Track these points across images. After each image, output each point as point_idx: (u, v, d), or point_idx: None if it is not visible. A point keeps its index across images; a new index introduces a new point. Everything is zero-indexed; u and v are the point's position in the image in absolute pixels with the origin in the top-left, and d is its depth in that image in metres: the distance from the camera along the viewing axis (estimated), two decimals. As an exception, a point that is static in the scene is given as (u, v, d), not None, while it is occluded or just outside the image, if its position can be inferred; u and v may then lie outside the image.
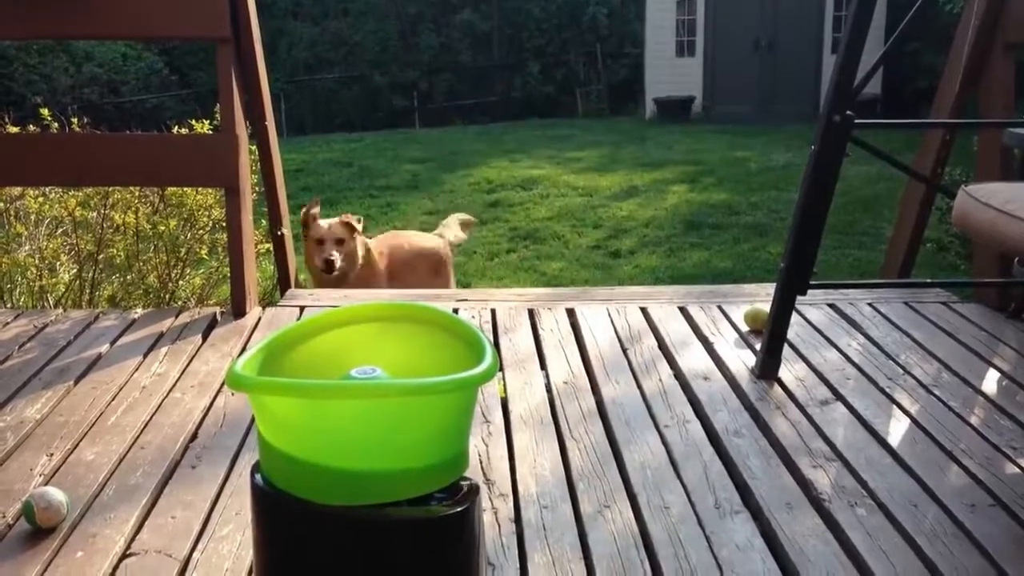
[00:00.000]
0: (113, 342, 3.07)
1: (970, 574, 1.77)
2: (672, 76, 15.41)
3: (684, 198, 8.81)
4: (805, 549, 1.86)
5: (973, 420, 2.45)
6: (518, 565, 1.84)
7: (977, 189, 2.41)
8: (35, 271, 4.13)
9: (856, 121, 2.49)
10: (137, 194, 4.20)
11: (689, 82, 15.38)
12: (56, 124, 4.26)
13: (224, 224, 3.80)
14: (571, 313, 3.33)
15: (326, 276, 3.88)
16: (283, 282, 3.75)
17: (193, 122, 4.21)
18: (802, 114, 13.24)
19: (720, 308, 3.34)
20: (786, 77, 14.77)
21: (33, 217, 4.24)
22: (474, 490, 1.48)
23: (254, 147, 3.59)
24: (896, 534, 1.92)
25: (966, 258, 5.31)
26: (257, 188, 3.68)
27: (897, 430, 2.40)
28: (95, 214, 4.17)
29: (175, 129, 4.26)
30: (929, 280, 3.77)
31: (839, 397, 2.60)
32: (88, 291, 4.15)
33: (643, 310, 3.34)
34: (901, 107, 12.94)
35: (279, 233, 3.65)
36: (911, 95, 12.78)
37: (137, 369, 2.84)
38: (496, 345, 3.04)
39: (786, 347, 2.80)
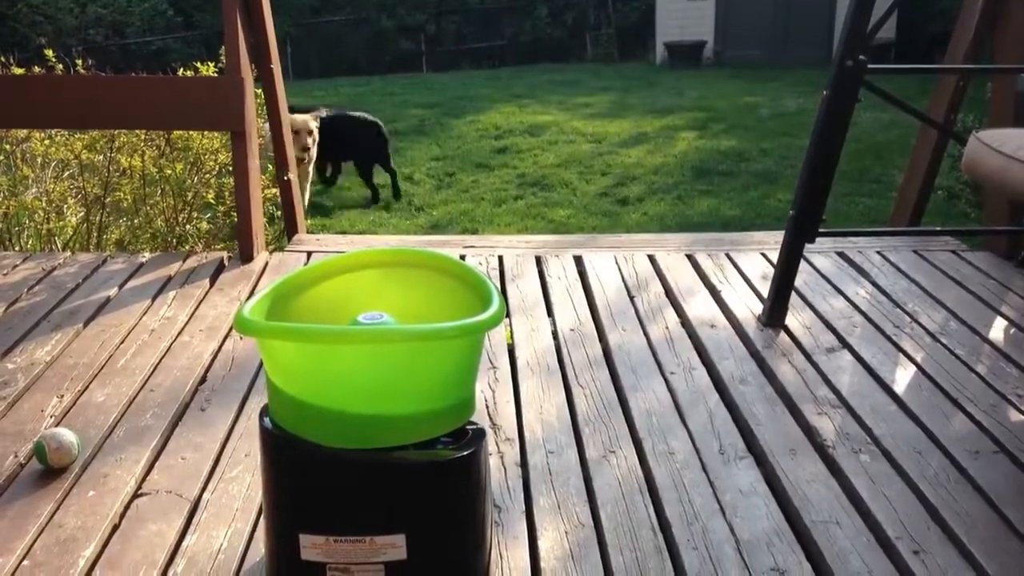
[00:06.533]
0: (121, 285, 3.08)
1: (972, 520, 1.79)
2: (683, 20, 15.15)
3: (693, 145, 8.72)
4: (808, 495, 1.88)
5: (979, 368, 2.46)
6: (523, 508, 1.86)
7: (989, 135, 2.39)
8: (42, 214, 4.13)
9: (869, 66, 2.46)
10: (143, 137, 4.18)
11: (700, 26, 15.13)
12: (61, 66, 4.22)
13: (231, 168, 3.78)
14: (578, 260, 3.32)
15: None
16: (290, 227, 3.75)
17: (198, 65, 4.16)
18: (815, 59, 13.05)
19: (728, 256, 3.33)
20: (799, 21, 14.51)
21: (39, 160, 4.23)
22: (480, 435, 1.50)
23: (260, 90, 3.56)
24: (899, 480, 1.93)
25: (976, 206, 5.28)
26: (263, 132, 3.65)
27: (903, 378, 2.40)
28: (101, 157, 4.16)
29: (180, 72, 4.22)
30: (939, 228, 3.74)
31: (845, 345, 2.60)
32: (96, 234, 4.15)
33: (650, 257, 3.33)
34: (915, 52, 12.73)
35: (286, 178, 3.64)
36: (926, 40, 12.57)
37: (146, 312, 2.86)
38: (503, 292, 3.04)
39: (793, 295, 2.80)
